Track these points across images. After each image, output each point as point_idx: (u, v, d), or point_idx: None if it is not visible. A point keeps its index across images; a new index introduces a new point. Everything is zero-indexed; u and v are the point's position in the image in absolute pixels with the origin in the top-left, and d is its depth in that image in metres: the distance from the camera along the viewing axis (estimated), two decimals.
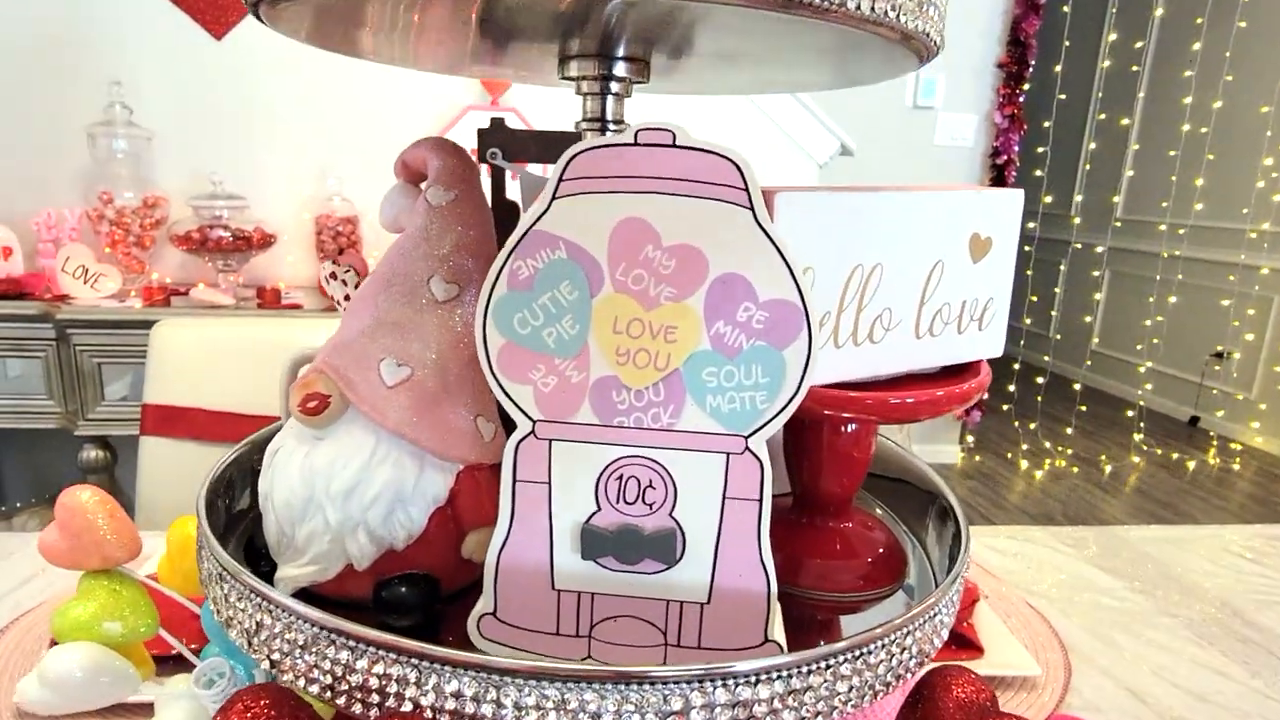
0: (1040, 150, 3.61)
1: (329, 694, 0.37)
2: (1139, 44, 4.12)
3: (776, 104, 2.35)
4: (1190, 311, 3.92)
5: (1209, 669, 0.72)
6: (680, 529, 0.39)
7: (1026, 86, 3.14)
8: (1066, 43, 3.52)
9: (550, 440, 0.39)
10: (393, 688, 0.36)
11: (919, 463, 0.58)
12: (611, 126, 0.50)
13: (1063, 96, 3.62)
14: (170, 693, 0.49)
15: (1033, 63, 3.14)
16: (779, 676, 0.36)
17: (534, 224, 0.37)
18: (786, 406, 0.38)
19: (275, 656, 0.38)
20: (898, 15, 0.35)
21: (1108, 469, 3.44)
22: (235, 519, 0.54)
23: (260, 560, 0.48)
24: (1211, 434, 3.83)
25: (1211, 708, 0.66)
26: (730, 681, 0.35)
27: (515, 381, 0.39)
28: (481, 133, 0.67)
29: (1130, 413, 3.87)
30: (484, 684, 0.35)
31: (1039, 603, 0.81)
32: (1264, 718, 0.66)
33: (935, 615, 0.41)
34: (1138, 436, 3.72)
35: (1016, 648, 0.69)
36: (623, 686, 0.35)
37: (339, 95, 2.16)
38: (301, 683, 0.38)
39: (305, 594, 0.46)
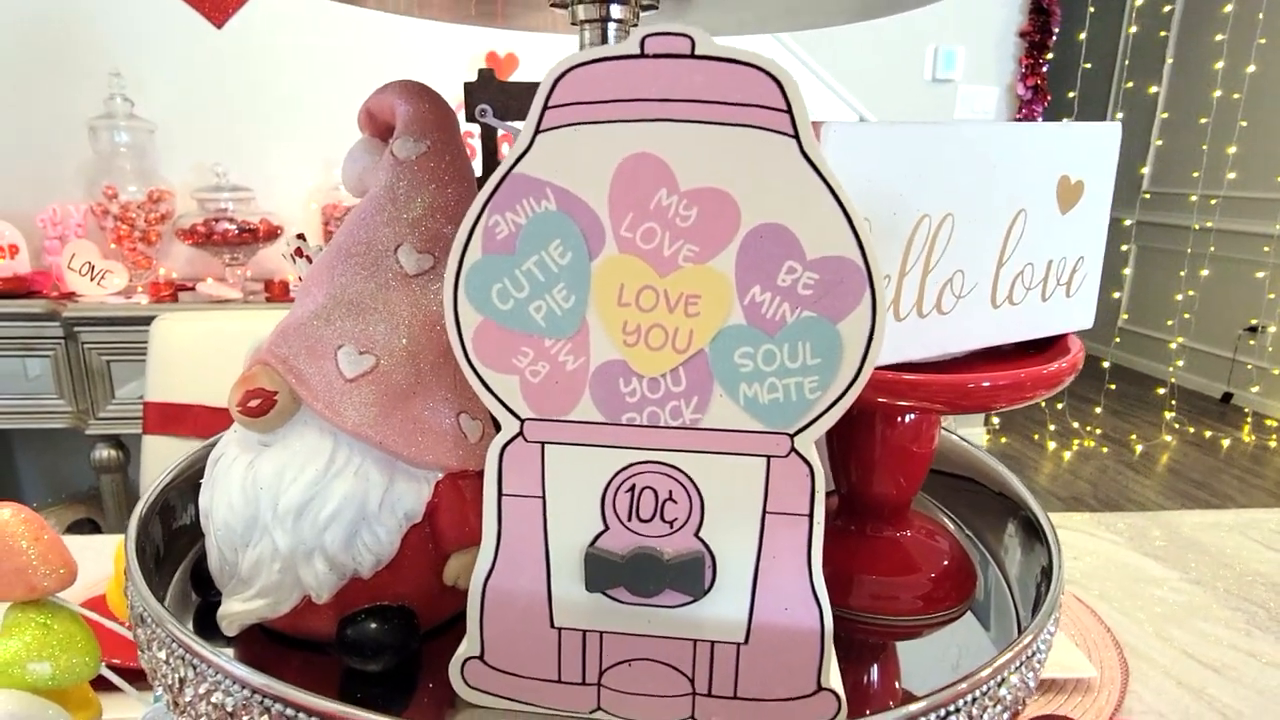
0: (1065, 122, 3.48)
1: None
2: (1167, 7, 3.97)
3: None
4: (1223, 284, 3.79)
5: (1277, 667, 0.65)
6: (709, 552, 0.31)
7: (1050, 56, 3.02)
8: (1091, 9, 3.39)
9: (543, 443, 0.31)
10: None
11: (983, 455, 0.50)
12: None
13: (1087, 65, 3.49)
14: None
15: (1056, 30, 3.02)
16: None
17: (513, 167, 0.29)
18: (843, 396, 0.29)
19: None
20: None
21: (1138, 449, 3.35)
22: (191, 536, 0.46)
23: (211, 589, 0.41)
24: (1246, 410, 3.72)
25: None
26: None
27: (497, 370, 0.31)
28: (468, 87, 0.58)
29: (1161, 390, 3.77)
30: None
31: (1086, 595, 0.75)
32: None
33: (1032, 655, 0.32)
34: (1169, 414, 3.62)
35: (1069, 647, 0.64)
36: None
37: (343, 81, 2.09)
38: None
39: (262, 632, 0.38)
